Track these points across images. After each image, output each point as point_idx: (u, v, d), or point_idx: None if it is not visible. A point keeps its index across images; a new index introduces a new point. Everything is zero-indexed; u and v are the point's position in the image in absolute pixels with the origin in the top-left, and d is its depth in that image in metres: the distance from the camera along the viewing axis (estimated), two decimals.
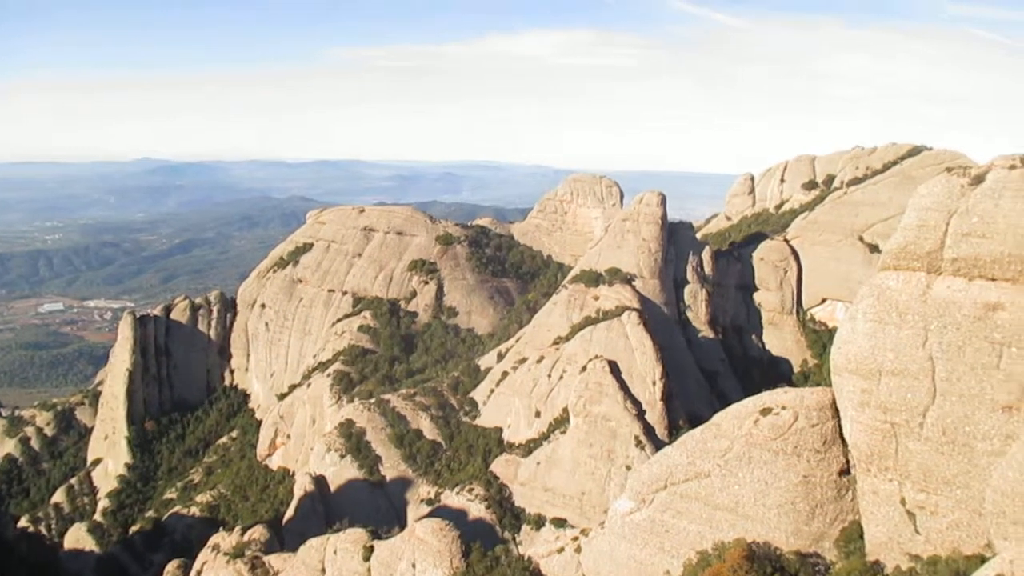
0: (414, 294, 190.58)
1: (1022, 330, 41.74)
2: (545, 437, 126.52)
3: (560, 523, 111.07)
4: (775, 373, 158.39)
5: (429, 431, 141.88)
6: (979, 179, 46.85)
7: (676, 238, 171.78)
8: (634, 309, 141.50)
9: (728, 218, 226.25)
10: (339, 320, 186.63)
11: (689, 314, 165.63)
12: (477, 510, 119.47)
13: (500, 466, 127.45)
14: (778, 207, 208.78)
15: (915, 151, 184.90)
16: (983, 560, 37.42)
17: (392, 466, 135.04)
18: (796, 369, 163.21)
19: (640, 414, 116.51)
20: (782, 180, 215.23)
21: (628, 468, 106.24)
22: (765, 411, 53.90)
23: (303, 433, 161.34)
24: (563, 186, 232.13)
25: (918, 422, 44.31)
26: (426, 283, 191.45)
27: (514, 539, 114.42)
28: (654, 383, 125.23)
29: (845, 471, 50.77)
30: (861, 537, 48.74)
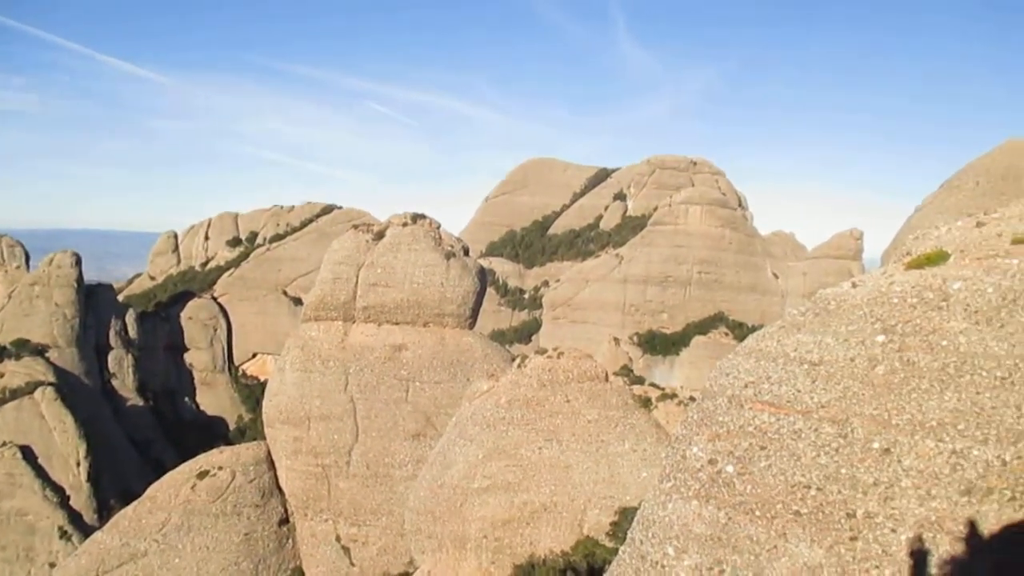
0: None
1: (423, 366, 48.04)
2: None
3: None
4: (211, 433, 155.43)
5: None
6: (381, 235, 52.69)
7: (95, 301, 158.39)
8: (49, 383, 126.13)
9: (152, 278, 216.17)
10: None
11: (115, 382, 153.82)
12: None
13: None
14: (204, 264, 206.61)
15: (328, 210, 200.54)
16: None
17: None
18: (232, 426, 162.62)
19: (64, 501, 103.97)
20: (207, 237, 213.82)
21: (52, 566, 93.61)
22: (202, 474, 52.43)
23: None
24: None
25: (345, 461, 47.69)
26: None
27: None
28: (78, 464, 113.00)
29: (285, 520, 51.92)
30: None
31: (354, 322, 50.81)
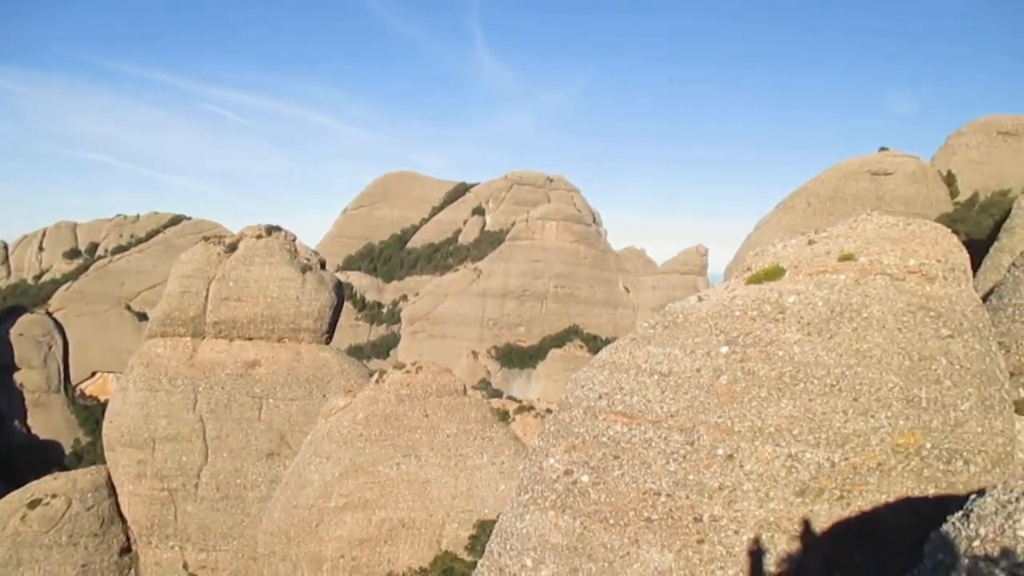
0: None
1: (277, 382, 46.64)
2: None
3: None
4: (44, 459, 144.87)
5: None
6: (233, 247, 50.86)
7: None
8: None
9: None
10: None
11: None
12: None
13: None
14: (37, 277, 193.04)
15: (176, 220, 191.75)
16: None
17: None
18: (68, 450, 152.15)
19: None
20: (41, 248, 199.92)
21: None
22: (34, 503, 48.76)
23: None
24: None
25: (194, 483, 45.56)
26: None
27: None
28: None
29: (127, 549, 48.99)
30: None
31: (204, 338, 48.76)
